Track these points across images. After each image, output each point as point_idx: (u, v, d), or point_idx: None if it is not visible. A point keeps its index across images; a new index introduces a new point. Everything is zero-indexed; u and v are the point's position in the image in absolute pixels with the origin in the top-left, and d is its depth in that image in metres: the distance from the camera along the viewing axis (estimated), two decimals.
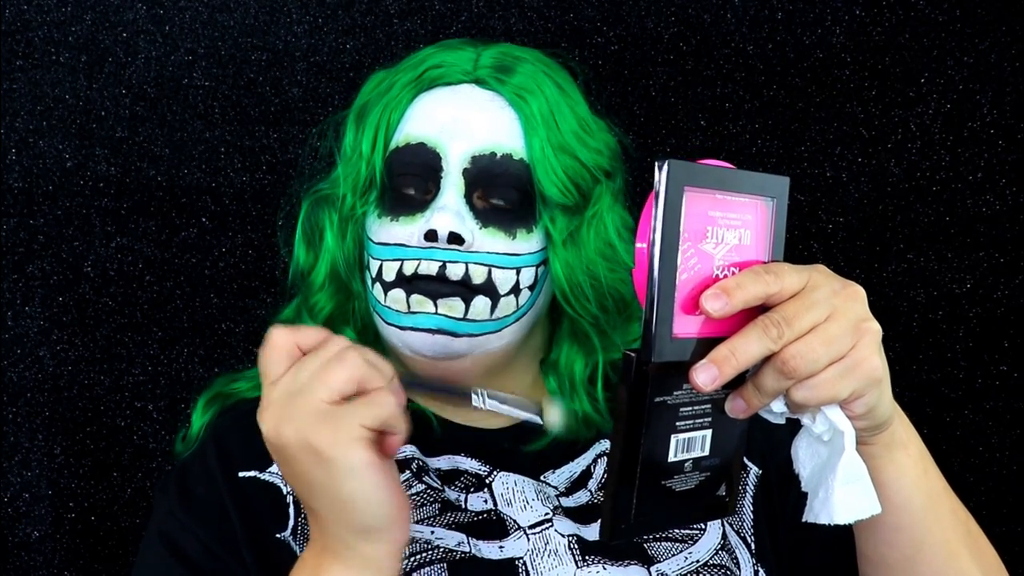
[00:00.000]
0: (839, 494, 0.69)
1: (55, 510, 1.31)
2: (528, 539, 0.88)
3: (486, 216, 0.90)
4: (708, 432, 0.70)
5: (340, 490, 0.68)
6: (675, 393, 0.67)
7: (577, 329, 0.96)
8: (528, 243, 0.91)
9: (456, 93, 0.93)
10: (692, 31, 1.34)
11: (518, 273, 0.91)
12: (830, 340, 0.65)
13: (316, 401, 0.68)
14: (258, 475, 0.91)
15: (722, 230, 0.66)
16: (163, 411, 1.32)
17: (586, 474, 0.95)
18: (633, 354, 0.64)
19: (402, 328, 0.91)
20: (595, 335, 0.96)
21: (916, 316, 1.34)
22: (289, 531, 0.88)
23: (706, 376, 0.64)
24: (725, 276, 0.66)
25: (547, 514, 0.90)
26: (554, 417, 0.77)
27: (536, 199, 0.92)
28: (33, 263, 1.30)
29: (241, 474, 0.91)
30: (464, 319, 0.89)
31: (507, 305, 0.91)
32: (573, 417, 0.84)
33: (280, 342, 0.71)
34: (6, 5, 1.29)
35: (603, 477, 0.95)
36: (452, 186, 0.90)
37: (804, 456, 0.73)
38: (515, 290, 0.91)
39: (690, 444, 0.69)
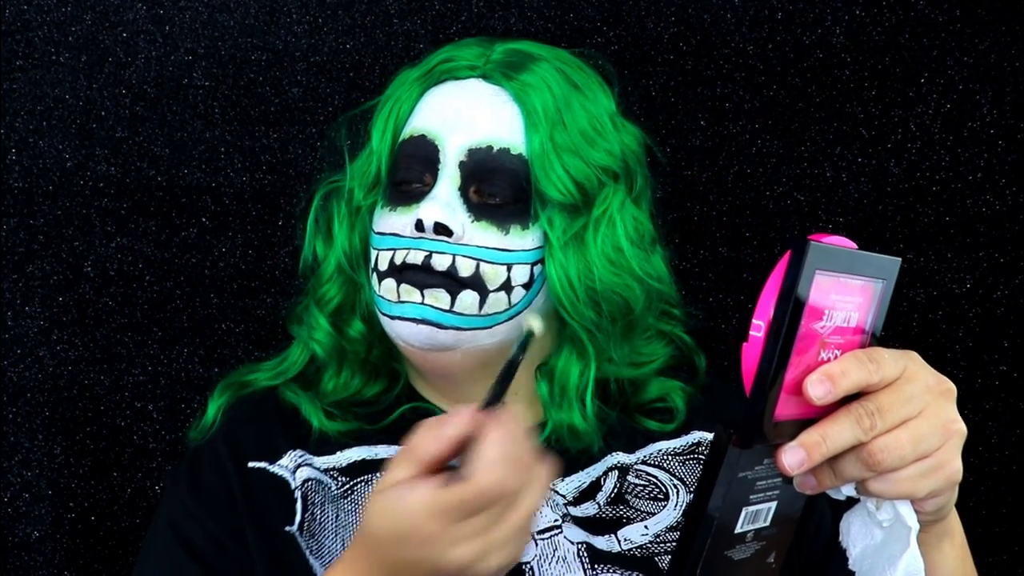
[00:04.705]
0: None
1: (55, 510, 1.31)
2: (536, 544, 0.88)
3: (480, 210, 0.90)
4: (773, 504, 0.69)
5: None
6: (755, 468, 0.66)
7: (574, 335, 0.94)
8: (523, 240, 0.90)
9: (462, 87, 0.93)
10: (692, 31, 1.34)
11: (509, 269, 0.90)
12: (919, 438, 0.65)
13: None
14: (267, 467, 0.91)
15: (837, 312, 0.65)
16: (163, 411, 1.32)
17: (595, 486, 0.94)
18: (731, 433, 0.63)
19: (392, 317, 0.91)
20: (589, 342, 0.93)
21: (916, 316, 1.34)
22: (296, 526, 0.88)
23: (795, 460, 0.63)
24: (827, 360, 0.64)
25: (556, 521, 0.90)
26: (536, 323, 0.74)
27: (533, 196, 0.91)
28: (33, 263, 1.30)
29: (251, 464, 0.91)
30: (450, 311, 0.89)
31: (497, 302, 0.90)
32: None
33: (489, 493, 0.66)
34: (6, 5, 1.29)
35: (613, 491, 0.94)
36: (447, 178, 0.90)
37: (856, 534, 0.72)
38: (506, 287, 0.90)
39: (756, 516, 0.68)
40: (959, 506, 0.76)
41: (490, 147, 0.90)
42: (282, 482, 0.90)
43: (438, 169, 0.91)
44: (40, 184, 1.30)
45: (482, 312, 0.89)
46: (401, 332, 0.90)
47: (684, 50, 1.34)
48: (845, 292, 0.65)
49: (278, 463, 0.91)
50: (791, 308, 0.61)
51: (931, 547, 0.75)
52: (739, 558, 0.69)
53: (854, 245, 0.67)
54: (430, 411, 0.95)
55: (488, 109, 0.92)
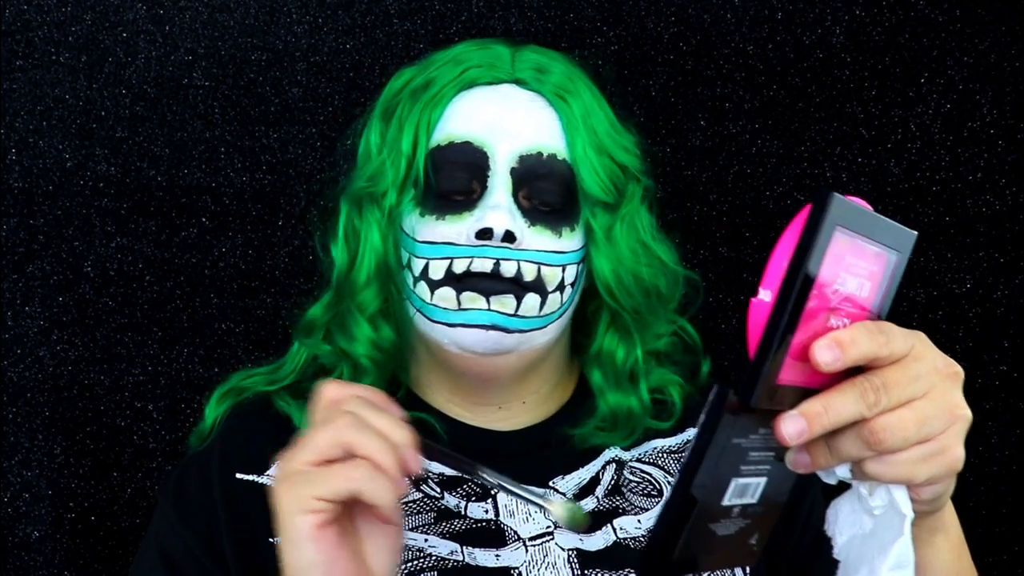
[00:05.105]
0: None
1: (55, 510, 1.31)
2: (527, 550, 0.88)
3: (533, 215, 0.92)
4: (763, 480, 0.66)
5: (284, 553, 0.72)
6: (750, 436, 0.63)
7: (619, 323, 0.99)
8: (572, 241, 0.93)
9: (498, 92, 0.94)
10: (692, 31, 1.34)
11: (563, 270, 0.92)
12: (924, 420, 0.62)
13: (298, 461, 0.71)
14: (256, 479, 0.91)
15: (850, 277, 0.62)
16: (163, 411, 1.32)
17: (594, 480, 0.95)
18: (729, 393, 0.59)
19: (452, 325, 0.91)
20: (635, 328, 0.98)
21: (916, 316, 1.34)
22: None
23: (794, 429, 0.60)
24: (837, 327, 0.61)
25: (549, 527, 0.90)
26: (559, 510, 0.77)
27: (579, 198, 0.93)
28: (33, 263, 1.30)
29: (239, 475, 0.91)
30: (515, 315, 0.90)
31: (554, 302, 0.92)
32: (581, 513, 0.81)
33: (328, 395, 0.75)
34: (6, 5, 1.29)
35: (611, 483, 0.95)
36: (501, 185, 0.91)
37: (843, 521, 0.70)
38: (560, 287, 0.92)
39: (744, 490, 0.65)
40: (959, 505, 0.76)
41: (540, 153, 0.92)
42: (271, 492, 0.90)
43: (487, 176, 0.91)
44: (40, 184, 1.30)
45: (541, 313, 0.92)
46: (463, 339, 0.90)
47: (684, 50, 1.34)
48: (860, 256, 0.62)
49: (267, 474, 0.91)
50: (809, 258, 0.58)
51: (923, 542, 0.73)
52: (723, 534, 0.66)
53: (871, 209, 0.65)
54: (423, 419, 0.95)
55: (530, 115, 0.93)
